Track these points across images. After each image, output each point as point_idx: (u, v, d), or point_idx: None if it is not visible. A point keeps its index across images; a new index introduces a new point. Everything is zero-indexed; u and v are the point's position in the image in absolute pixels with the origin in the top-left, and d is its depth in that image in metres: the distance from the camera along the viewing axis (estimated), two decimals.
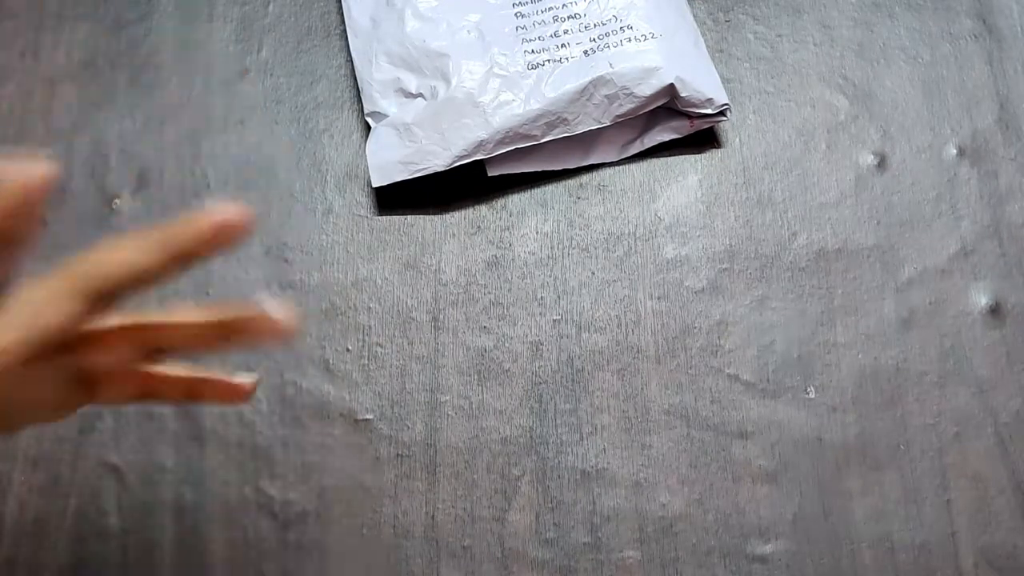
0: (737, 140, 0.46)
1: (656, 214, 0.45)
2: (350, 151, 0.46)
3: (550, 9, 0.45)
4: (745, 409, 0.41)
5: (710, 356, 0.42)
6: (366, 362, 0.42)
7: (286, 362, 0.42)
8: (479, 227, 0.45)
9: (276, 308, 0.26)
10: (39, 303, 0.24)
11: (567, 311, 0.43)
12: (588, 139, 0.45)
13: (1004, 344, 0.43)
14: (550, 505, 0.40)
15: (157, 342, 0.28)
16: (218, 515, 0.40)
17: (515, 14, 0.45)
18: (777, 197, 0.45)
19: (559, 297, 0.43)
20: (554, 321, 0.43)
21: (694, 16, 0.47)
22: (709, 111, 0.44)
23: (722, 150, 0.46)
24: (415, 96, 0.44)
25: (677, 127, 0.45)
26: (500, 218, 0.45)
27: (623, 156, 0.46)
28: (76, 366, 0.28)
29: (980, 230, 0.45)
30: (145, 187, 0.45)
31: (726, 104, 0.44)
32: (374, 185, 0.43)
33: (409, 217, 0.45)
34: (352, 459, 0.41)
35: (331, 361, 0.42)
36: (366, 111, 0.45)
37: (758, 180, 0.46)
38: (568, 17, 0.44)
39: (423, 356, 0.42)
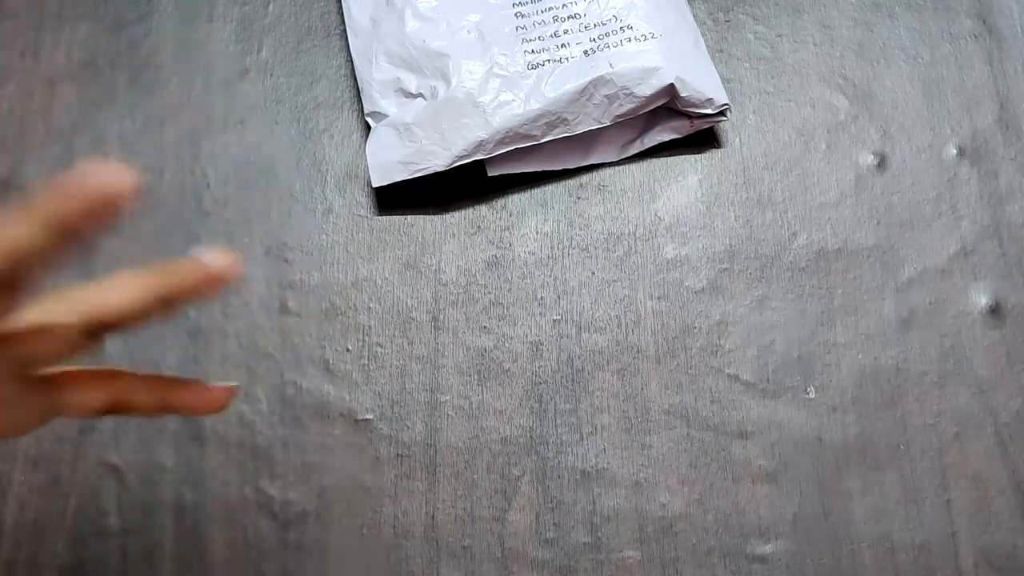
0: (737, 140, 0.46)
1: (656, 214, 0.45)
2: (350, 151, 0.46)
3: (550, 9, 0.45)
4: (745, 409, 0.41)
5: (710, 356, 0.42)
6: (366, 362, 0.42)
7: (286, 362, 0.42)
8: (479, 227, 0.45)
9: (214, 257, 0.26)
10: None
11: (567, 311, 0.43)
12: (588, 139, 0.45)
13: (1004, 344, 0.43)
14: (550, 505, 0.40)
15: (98, 317, 0.26)
16: (218, 515, 0.40)
17: (515, 14, 0.45)
18: (777, 197, 0.45)
19: (559, 297, 0.43)
20: (554, 321, 0.43)
21: (694, 16, 0.47)
22: (709, 111, 0.44)
23: (722, 150, 0.46)
24: (415, 96, 0.44)
25: (677, 127, 0.45)
26: (500, 218, 0.45)
27: (623, 156, 0.46)
28: (24, 363, 0.27)
29: (980, 230, 0.45)
30: (145, 187, 0.45)
31: (726, 104, 0.44)
32: (374, 185, 0.43)
33: (409, 217, 0.45)
34: (352, 459, 0.41)
35: (331, 361, 0.42)
36: (366, 111, 0.45)
37: (758, 180, 0.46)
38: (568, 17, 0.44)
39: (423, 356, 0.42)
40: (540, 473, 0.40)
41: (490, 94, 0.42)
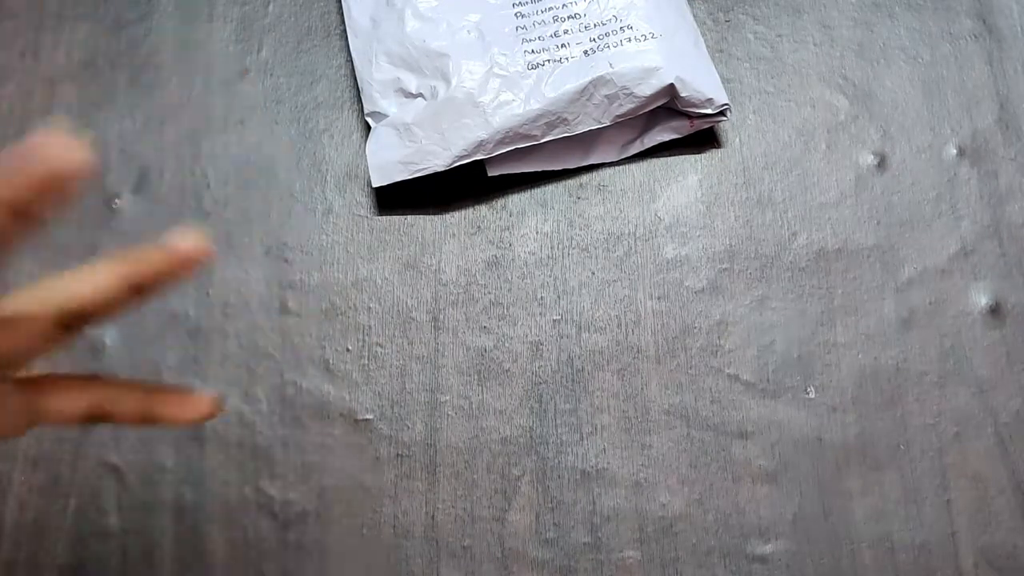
0: (737, 140, 0.46)
1: (656, 214, 0.45)
2: (350, 151, 0.46)
3: (550, 9, 0.45)
4: (745, 409, 0.41)
5: (710, 356, 0.42)
6: (366, 362, 0.42)
7: (286, 362, 0.42)
8: (479, 227, 0.45)
9: (184, 239, 0.25)
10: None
11: (567, 311, 0.43)
12: (588, 139, 0.45)
13: (1004, 344, 0.43)
14: (550, 505, 0.40)
15: (71, 308, 0.26)
16: (218, 515, 0.40)
17: (515, 14, 0.45)
18: (777, 197, 0.45)
19: (559, 297, 0.43)
20: (554, 321, 0.43)
21: (694, 16, 0.47)
22: (709, 111, 0.44)
23: (722, 150, 0.46)
24: (415, 96, 0.44)
25: (677, 127, 0.45)
26: (500, 218, 0.45)
27: (623, 156, 0.46)
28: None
29: (980, 230, 0.45)
30: (145, 187, 0.45)
31: (726, 104, 0.44)
32: (374, 185, 0.43)
33: (409, 217, 0.45)
34: (352, 459, 0.41)
35: (331, 361, 0.42)
36: (366, 111, 0.45)
37: (758, 180, 0.46)
38: (568, 17, 0.44)
39: (423, 356, 0.42)
40: (540, 473, 0.40)
41: (490, 94, 0.42)
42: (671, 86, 0.43)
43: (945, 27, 0.49)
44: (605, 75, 0.42)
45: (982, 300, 0.43)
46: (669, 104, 0.44)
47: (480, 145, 0.42)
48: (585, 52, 0.43)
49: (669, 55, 0.43)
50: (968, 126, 0.47)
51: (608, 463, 0.41)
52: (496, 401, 0.42)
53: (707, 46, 0.47)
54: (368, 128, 0.45)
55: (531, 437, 0.41)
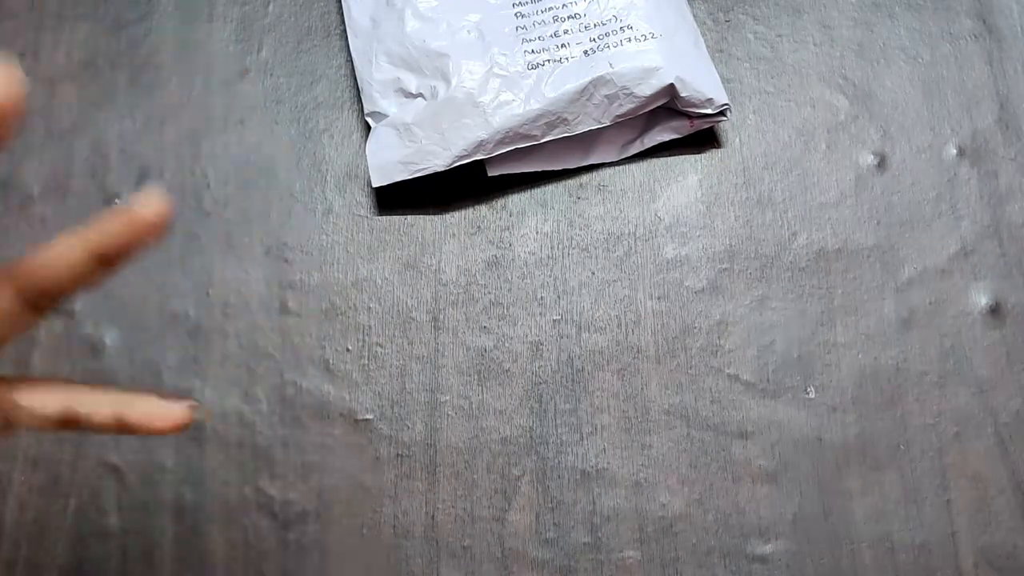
0: (737, 140, 0.46)
1: (656, 214, 0.45)
2: (350, 151, 0.46)
3: (550, 9, 0.45)
4: (745, 409, 0.41)
5: (710, 356, 0.42)
6: (366, 362, 0.42)
7: (286, 362, 0.42)
8: (479, 227, 0.45)
9: (144, 201, 0.25)
10: None
11: (567, 311, 0.43)
12: (588, 139, 0.45)
13: (1004, 344, 0.43)
14: (550, 505, 0.40)
15: (34, 285, 0.26)
16: (218, 515, 0.40)
17: (515, 14, 0.45)
18: (777, 197, 0.45)
19: (559, 297, 0.43)
20: (554, 321, 0.43)
21: (694, 16, 0.47)
22: (709, 111, 0.44)
23: (722, 150, 0.46)
24: (415, 96, 0.44)
25: (677, 127, 0.45)
26: (500, 218, 0.45)
27: (623, 156, 0.46)
28: None
29: (980, 230, 0.45)
30: (145, 187, 0.45)
31: (726, 104, 0.44)
32: (374, 185, 0.43)
33: (409, 217, 0.45)
34: (352, 459, 0.41)
35: (331, 361, 0.42)
36: (366, 111, 0.45)
37: (758, 180, 0.46)
38: (568, 17, 0.44)
39: (423, 356, 0.42)
40: (540, 473, 0.40)
41: (490, 94, 0.42)
42: (671, 86, 0.43)
43: (945, 27, 0.49)
44: (605, 75, 0.42)
45: (982, 300, 0.43)
46: (669, 104, 0.44)
47: (480, 145, 0.42)
48: (585, 52, 0.43)
49: (669, 55, 0.43)
50: (968, 126, 0.47)
51: (608, 463, 0.41)
52: (496, 401, 0.42)
53: (707, 46, 0.47)
54: (368, 128, 0.45)
55: (531, 437, 0.41)
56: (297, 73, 0.47)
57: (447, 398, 0.42)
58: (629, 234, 0.45)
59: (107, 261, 0.25)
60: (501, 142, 0.42)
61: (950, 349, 0.42)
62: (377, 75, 0.45)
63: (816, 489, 0.40)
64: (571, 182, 0.45)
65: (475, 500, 0.40)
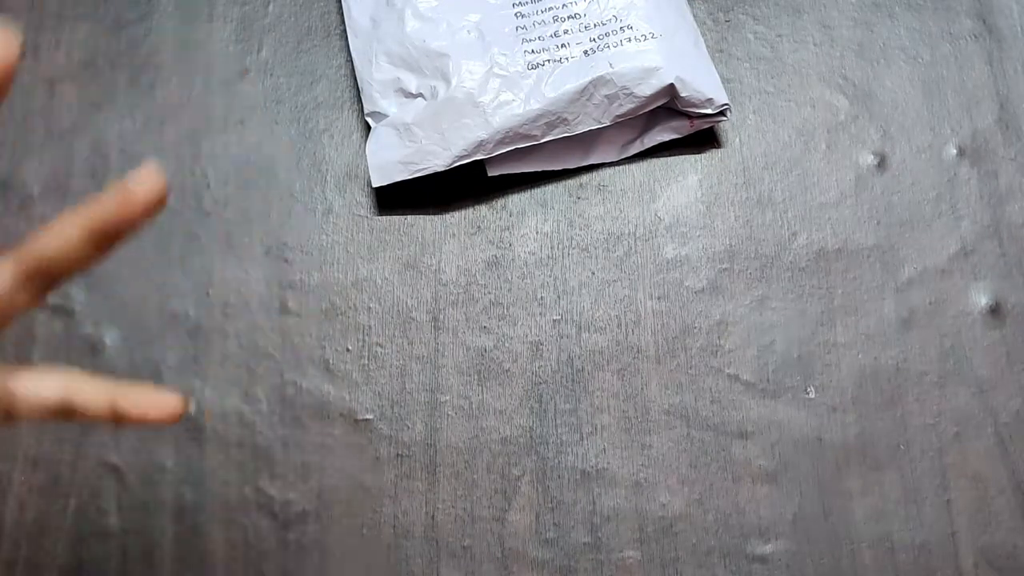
0: (737, 140, 0.46)
1: (656, 214, 0.45)
2: (350, 151, 0.46)
3: (550, 9, 0.45)
4: (745, 409, 0.41)
5: (710, 356, 0.42)
6: (366, 362, 0.42)
7: (286, 362, 0.42)
8: (479, 227, 0.45)
9: (140, 179, 0.26)
10: None
11: (567, 311, 0.43)
12: (588, 139, 0.45)
13: (1004, 344, 0.43)
14: (550, 505, 0.40)
15: (35, 265, 0.26)
16: (218, 515, 0.40)
17: (515, 14, 0.45)
18: (777, 197, 0.45)
19: (559, 297, 0.43)
20: (554, 321, 0.43)
21: (694, 16, 0.47)
22: (709, 111, 0.44)
23: (722, 150, 0.46)
24: (415, 96, 0.44)
25: (677, 127, 0.45)
26: (500, 218, 0.45)
27: (623, 156, 0.46)
28: None
29: (980, 230, 0.45)
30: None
31: (726, 104, 0.44)
32: (374, 185, 0.43)
33: (409, 217, 0.45)
34: (352, 459, 0.41)
35: (331, 361, 0.42)
36: (366, 111, 0.45)
37: (758, 180, 0.46)
38: (568, 17, 0.44)
39: (423, 356, 0.42)
40: (540, 473, 0.40)
41: (490, 94, 0.42)
42: (671, 86, 0.43)
43: (945, 27, 0.49)
44: (605, 75, 0.42)
45: (982, 300, 0.43)
46: (669, 104, 0.44)
47: (480, 145, 0.42)
48: (585, 52, 0.43)
49: (669, 55, 0.43)
50: (968, 126, 0.47)
51: (608, 463, 0.41)
52: (496, 401, 0.42)
53: (707, 46, 0.47)
54: (368, 128, 0.45)
55: (531, 437, 0.41)
56: (297, 73, 0.47)
57: (447, 398, 0.42)
58: (629, 234, 0.45)
59: (106, 239, 0.26)
60: (501, 142, 0.42)
61: (950, 349, 0.42)
62: (377, 75, 0.45)
63: (816, 489, 0.40)
64: (571, 182, 0.45)
65: (475, 500, 0.40)
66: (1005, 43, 0.48)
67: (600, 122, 0.43)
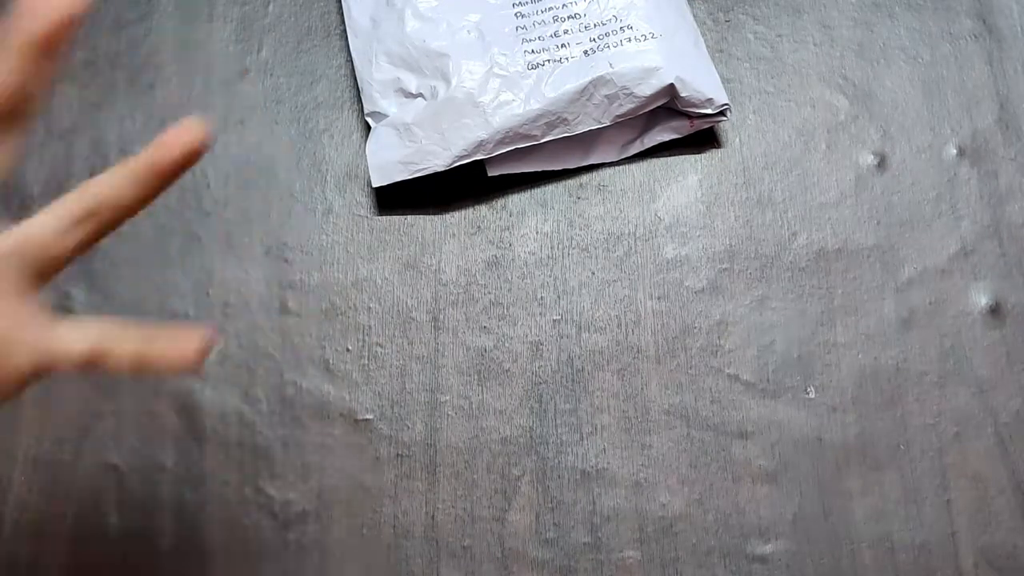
0: (737, 140, 0.46)
1: (656, 214, 0.45)
2: (350, 151, 0.46)
3: (550, 9, 0.45)
4: (745, 409, 0.41)
5: (710, 356, 0.42)
6: (366, 362, 0.42)
7: (286, 362, 0.42)
8: (479, 227, 0.45)
9: (184, 125, 0.29)
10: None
11: (567, 311, 0.43)
12: (588, 139, 0.45)
13: (1004, 344, 0.43)
14: (550, 505, 0.40)
15: (89, 206, 0.29)
16: (218, 515, 0.40)
17: (515, 14, 0.45)
18: (777, 197, 0.45)
19: (559, 297, 0.43)
20: (554, 321, 0.43)
21: (694, 16, 0.47)
22: (709, 111, 0.44)
23: (722, 150, 0.46)
24: (415, 96, 0.44)
25: (677, 127, 0.45)
26: (500, 218, 0.45)
27: (623, 156, 0.46)
28: (29, 262, 0.28)
29: (980, 230, 0.45)
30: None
31: (726, 104, 0.44)
32: (374, 185, 0.43)
33: (409, 217, 0.45)
34: (352, 459, 0.41)
35: (331, 361, 0.42)
36: (366, 111, 0.45)
37: (758, 180, 0.46)
38: (568, 17, 0.44)
39: (423, 356, 0.42)
40: (540, 473, 0.40)
41: (490, 94, 0.42)
42: (671, 86, 0.43)
43: (945, 27, 0.49)
44: (605, 75, 0.42)
45: (982, 300, 0.43)
46: (669, 104, 0.44)
47: (480, 145, 0.42)
48: (585, 52, 0.43)
49: (669, 55, 0.43)
50: (968, 126, 0.47)
51: (608, 463, 0.41)
52: (496, 401, 0.42)
53: (707, 46, 0.47)
54: (368, 128, 0.45)
55: (531, 437, 0.41)
56: (297, 73, 0.47)
57: (447, 398, 0.42)
58: (629, 234, 0.45)
59: (152, 182, 0.29)
60: (501, 142, 0.42)
61: (950, 349, 0.42)
62: (377, 75, 0.45)
63: (816, 489, 0.40)
64: (571, 182, 0.45)
65: (475, 500, 0.40)
66: (1005, 43, 0.48)
67: (600, 122, 0.43)
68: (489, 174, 0.44)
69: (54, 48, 0.27)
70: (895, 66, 0.48)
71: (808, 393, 0.42)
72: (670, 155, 0.46)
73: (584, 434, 0.41)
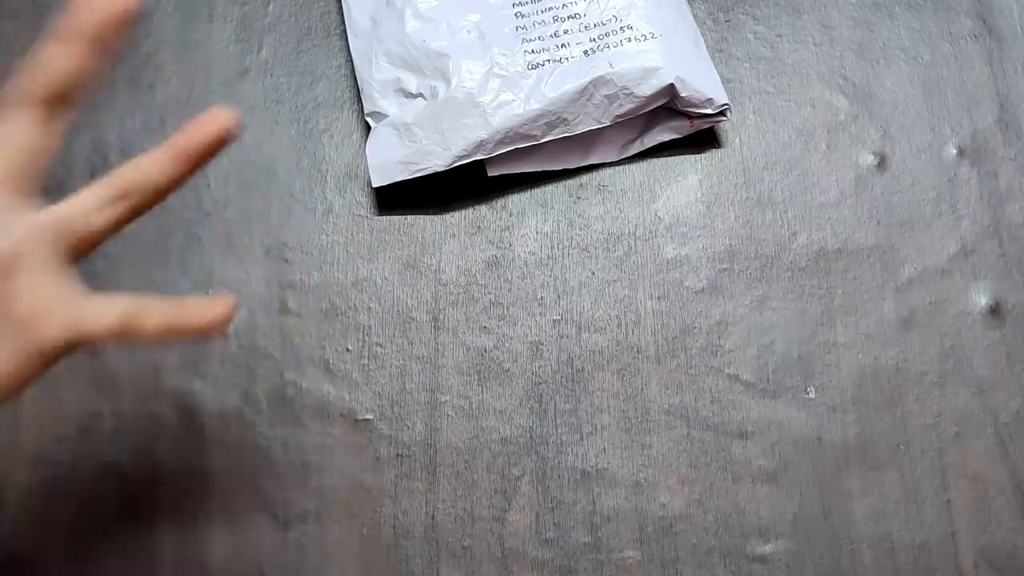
0: (737, 140, 0.46)
1: (656, 214, 0.45)
2: (350, 151, 0.46)
3: (550, 9, 0.45)
4: (745, 409, 0.41)
5: (710, 356, 0.42)
6: (366, 362, 0.42)
7: (286, 362, 0.42)
8: (479, 227, 0.45)
9: (214, 112, 0.31)
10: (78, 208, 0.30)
11: (567, 311, 0.43)
12: (588, 139, 0.45)
13: (1004, 344, 0.43)
14: (550, 505, 0.40)
15: (128, 182, 0.30)
16: (218, 515, 0.40)
17: (515, 14, 0.45)
18: (777, 197, 0.45)
19: (559, 297, 0.43)
20: (554, 321, 0.43)
21: (694, 16, 0.47)
22: (709, 111, 0.44)
23: (722, 150, 0.46)
24: (415, 96, 0.44)
25: (677, 127, 0.45)
26: (500, 218, 0.45)
27: (623, 156, 0.46)
28: (71, 232, 0.30)
29: (980, 230, 0.45)
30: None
31: (726, 104, 0.44)
32: (374, 185, 0.43)
33: (409, 217, 0.45)
34: (352, 459, 0.41)
35: (331, 361, 0.42)
36: (366, 111, 0.45)
37: (758, 180, 0.46)
38: (568, 17, 0.44)
39: (423, 356, 0.42)
40: (540, 473, 0.40)
41: (490, 94, 0.42)
42: (671, 86, 0.43)
43: (945, 27, 0.49)
44: (605, 75, 0.42)
45: (982, 300, 0.43)
46: (669, 104, 0.44)
47: (480, 145, 0.42)
48: (585, 52, 0.43)
49: (669, 55, 0.43)
50: (968, 126, 0.47)
51: (608, 463, 0.41)
52: (496, 401, 0.42)
53: (707, 46, 0.47)
54: (368, 128, 0.45)
55: (531, 437, 0.41)
56: (297, 73, 0.47)
57: (447, 398, 0.42)
58: (629, 234, 0.45)
59: (185, 165, 0.31)
60: (501, 142, 0.42)
61: (950, 349, 0.42)
62: (377, 75, 0.45)
63: (816, 489, 0.40)
64: (571, 182, 0.45)
65: (475, 500, 0.40)
66: (1005, 43, 0.48)
67: (600, 122, 0.43)
68: (489, 174, 0.44)
69: (108, 41, 0.29)
70: (895, 66, 0.48)
71: (808, 393, 0.42)
72: (670, 155, 0.46)
73: (584, 434, 0.41)
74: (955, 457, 0.41)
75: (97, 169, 0.45)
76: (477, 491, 0.40)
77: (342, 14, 0.48)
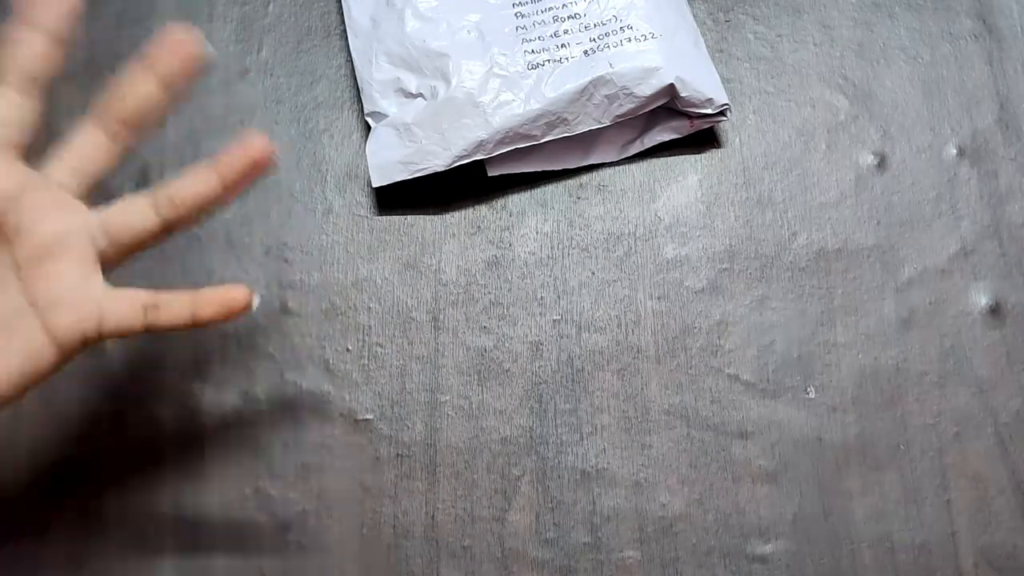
0: (737, 140, 0.46)
1: (656, 214, 0.45)
2: (350, 151, 0.46)
3: (550, 9, 0.45)
4: (745, 409, 0.41)
5: (710, 356, 0.42)
6: (366, 362, 0.42)
7: (286, 362, 0.42)
8: (479, 227, 0.45)
9: (254, 137, 0.32)
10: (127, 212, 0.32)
11: (567, 311, 0.43)
12: (588, 139, 0.45)
13: (1004, 344, 0.43)
14: (550, 505, 0.40)
15: (170, 198, 0.32)
16: (218, 515, 0.40)
17: (515, 14, 0.45)
18: (777, 197, 0.45)
19: (559, 297, 0.43)
20: (554, 321, 0.43)
21: (694, 16, 0.47)
22: (709, 111, 0.44)
23: (722, 150, 0.46)
24: (415, 96, 0.44)
25: (677, 127, 0.45)
26: (500, 218, 0.45)
27: (623, 156, 0.46)
28: (113, 233, 0.32)
29: (980, 230, 0.45)
30: (145, 187, 0.45)
31: (726, 104, 0.44)
32: (374, 185, 0.43)
33: (409, 217, 0.45)
34: (352, 459, 0.41)
35: (331, 361, 0.42)
36: (366, 111, 0.45)
37: (758, 180, 0.46)
38: (568, 17, 0.44)
39: (423, 356, 0.42)
40: (540, 473, 0.40)
41: (490, 94, 0.42)
42: (671, 86, 0.43)
43: (945, 27, 0.49)
44: (605, 75, 0.42)
45: (982, 300, 0.43)
46: (669, 104, 0.44)
47: (480, 145, 0.42)
48: (585, 52, 0.43)
49: (669, 55, 0.43)
50: (968, 126, 0.47)
51: (608, 463, 0.41)
52: (496, 401, 0.42)
53: (707, 46, 0.47)
54: (368, 128, 0.45)
55: (531, 437, 0.41)
56: (297, 73, 0.47)
57: (447, 398, 0.42)
58: (629, 234, 0.45)
59: (230, 184, 0.32)
60: (501, 142, 0.42)
61: (950, 349, 0.42)
62: (377, 75, 0.45)
63: (816, 489, 0.40)
64: (571, 182, 0.45)
65: (475, 500, 0.40)
66: (1005, 43, 0.48)
67: (600, 122, 0.43)
68: (489, 174, 0.44)
69: (176, 85, 0.33)
70: (895, 66, 0.48)
71: (808, 393, 0.42)
72: (670, 155, 0.46)
73: (584, 434, 0.41)
74: (955, 457, 0.41)
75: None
76: (477, 491, 0.40)
77: (342, 14, 0.48)
